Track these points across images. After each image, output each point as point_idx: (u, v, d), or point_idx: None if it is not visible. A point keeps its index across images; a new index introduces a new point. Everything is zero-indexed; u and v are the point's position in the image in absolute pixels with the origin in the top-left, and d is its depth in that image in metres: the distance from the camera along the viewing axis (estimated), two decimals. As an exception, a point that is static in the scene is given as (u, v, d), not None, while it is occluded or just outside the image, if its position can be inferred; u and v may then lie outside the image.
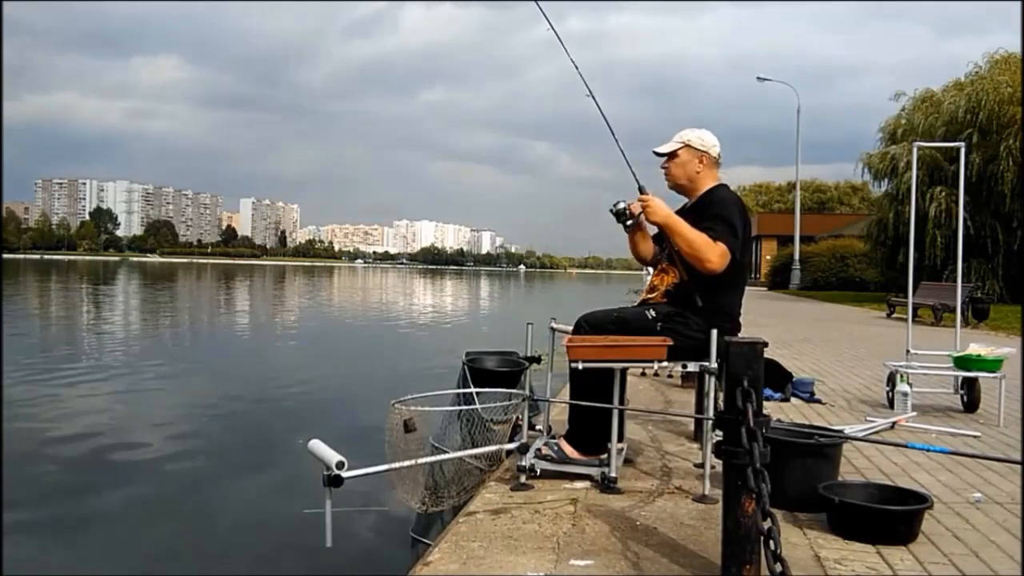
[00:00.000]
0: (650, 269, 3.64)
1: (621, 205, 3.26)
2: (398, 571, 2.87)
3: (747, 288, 3.45)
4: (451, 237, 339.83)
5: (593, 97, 3.34)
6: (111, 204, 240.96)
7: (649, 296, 3.34)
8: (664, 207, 3.15)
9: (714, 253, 3.04)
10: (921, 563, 2.27)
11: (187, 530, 3.92)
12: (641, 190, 3.21)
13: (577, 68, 3.34)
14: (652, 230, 3.37)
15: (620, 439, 3.16)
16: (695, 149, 3.26)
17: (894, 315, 15.10)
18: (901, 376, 4.77)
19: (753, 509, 1.92)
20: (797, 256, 30.52)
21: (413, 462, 2.98)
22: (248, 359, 11.18)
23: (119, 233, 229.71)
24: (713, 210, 3.16)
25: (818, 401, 5.12)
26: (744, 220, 3.17)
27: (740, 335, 3.02)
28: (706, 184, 3.29)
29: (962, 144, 5.97)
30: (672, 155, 3.30)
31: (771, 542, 1.76)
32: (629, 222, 3.30)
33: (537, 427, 3.78)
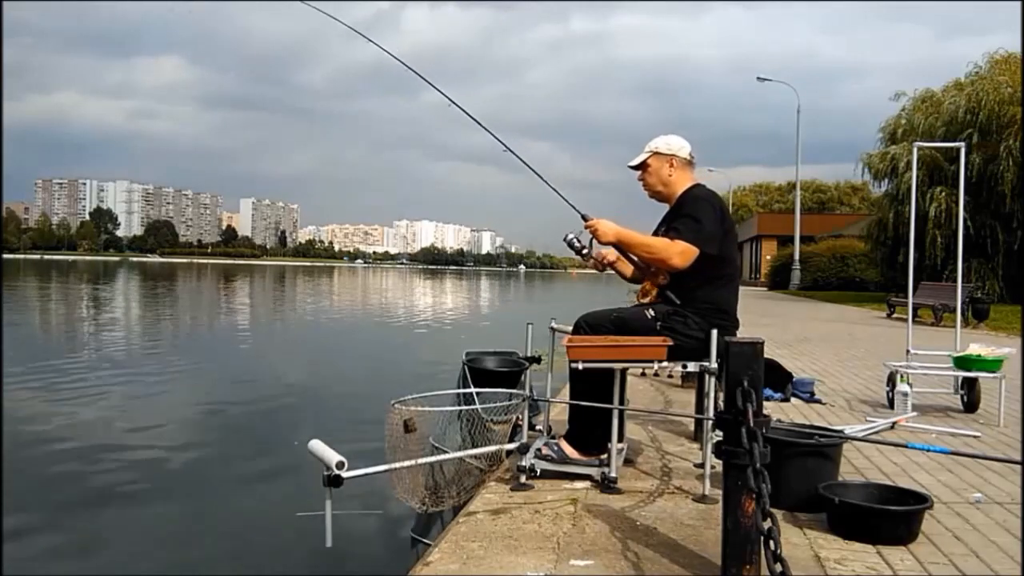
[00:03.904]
0: None
1: (570, 236, 3.30)
2: (398, 571, 2.87)
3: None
4: (451, 237, 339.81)
5: (512, 152, 3.52)
6: (111, 204, 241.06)
7: (643, 300, 3.35)
8: (612, 226, 3.19)
9: (673, 251, 3.07)
10: (921, 563, 2.28)
11: (187, 530, 3.92)
12: (584, 218, 3.25)
13: (485, 127, 3.51)
14: (612, 252, 3.40)
15: (620, 439, 3.16)
16: (663, 155, 3.32)
17: (894, 315, 15.10)
18: (901, 376, 4.77)
19: (753, 509, 1.91)
20: (797, 256, 30.51)
21: (413, 462, 2.98)
22: (248, 359, 11.17)
23: (119, 233, 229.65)
24: (684, 210, 3.21)
25: (818, 401, 5.13)
26: (719, 213, 3.19)
27: (739, 335, 3.03)
28: (681, 186, 3.32)
29: (962, 144, 5.97)
30: (643, 166, 3.36)
31: (771, 542, 1.76)
32: (584, 251, 3.33)
33: (537, 427, 3.79)
